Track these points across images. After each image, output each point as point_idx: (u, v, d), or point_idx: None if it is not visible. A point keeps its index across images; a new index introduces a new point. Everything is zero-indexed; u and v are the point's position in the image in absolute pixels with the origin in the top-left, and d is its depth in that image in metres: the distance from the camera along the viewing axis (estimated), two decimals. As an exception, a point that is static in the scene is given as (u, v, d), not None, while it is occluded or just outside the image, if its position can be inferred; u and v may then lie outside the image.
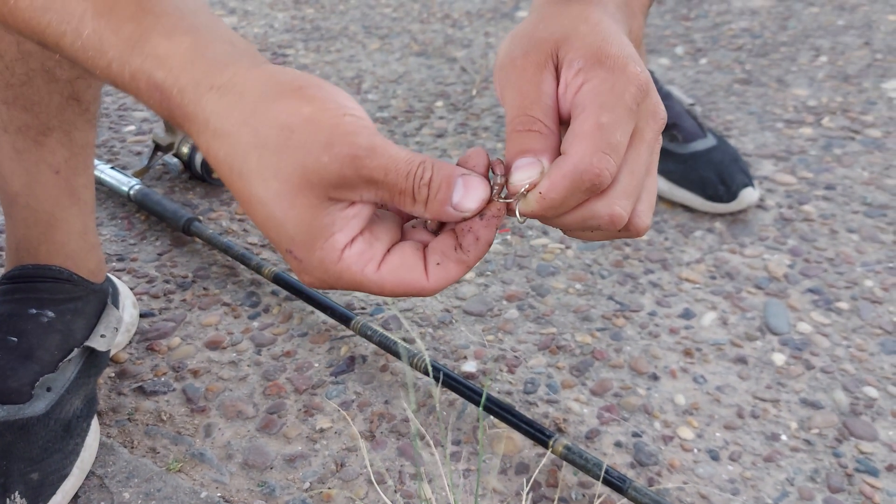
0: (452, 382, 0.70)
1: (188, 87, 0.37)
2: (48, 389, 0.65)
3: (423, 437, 0.69)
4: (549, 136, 0.38)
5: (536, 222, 1.01)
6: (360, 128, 0.35)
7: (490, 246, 0.39)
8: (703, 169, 1.01)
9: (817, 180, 1.10)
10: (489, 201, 0.37)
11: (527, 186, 0.37)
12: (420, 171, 0.36)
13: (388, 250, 0.38)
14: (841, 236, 0.99)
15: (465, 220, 0.37)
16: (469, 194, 0.37)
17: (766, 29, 1.67)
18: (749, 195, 0.99)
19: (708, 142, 1.04)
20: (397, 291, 0.38)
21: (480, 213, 0.37)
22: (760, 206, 1.04)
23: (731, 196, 0.99)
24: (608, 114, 0.36)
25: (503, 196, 0.37)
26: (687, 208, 1.03)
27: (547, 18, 0.41)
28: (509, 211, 0.38)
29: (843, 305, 0.87)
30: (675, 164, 1.03)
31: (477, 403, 0.69)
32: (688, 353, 0.80)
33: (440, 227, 0.40)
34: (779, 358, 0.79)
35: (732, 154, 1.03)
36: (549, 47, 0.39)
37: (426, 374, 0.72)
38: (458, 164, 0.38)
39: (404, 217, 0.41)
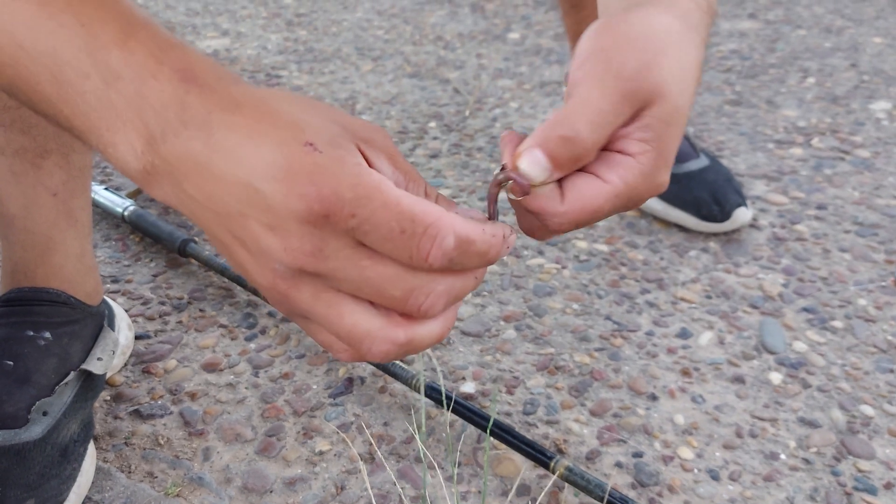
0: (456, 405, 0.70)
1: (156, 138, 0.35)
2: (45, 414, 0.64)
3: (425, 457, 0.69)
4: (579, 160, 0.37)
5: (532, 242, 1.01)
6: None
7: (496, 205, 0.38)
8: (696, 189, 1.02)
9: (809, 200, 1.11)
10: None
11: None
12: (427, 185, 0.37)
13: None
14: (834, 255, 0.99)
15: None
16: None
17: (754, 51, 1.70)
18: (742, 215, 1.00)
19: (701, 162, 1.05)
20: (414, 208, 0.33)
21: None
22: (754, 225, 1.05)
23: (724, 216, 1.00)
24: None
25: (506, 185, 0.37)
26: (681, 228, 1.04)
27: (652, 41, 0.37)
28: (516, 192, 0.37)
29: (838, 324, 0.87)
30: (669, 184, 1.03)
31: (479, 426, 0.69)
32: (686, 372, 0.80)
33: None
34: (775, 377, 0.80)
35: (725, 174, 1.04)
36: (644, 96, 0.37)
37: (428, 396, 0.71)
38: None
39: None
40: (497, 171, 0.37)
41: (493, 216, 0.38)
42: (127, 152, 0.35)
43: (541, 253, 1.00)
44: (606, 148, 0.38)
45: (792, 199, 1.12)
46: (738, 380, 0.79)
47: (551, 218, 0.37)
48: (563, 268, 0.97)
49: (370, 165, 0.35)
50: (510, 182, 0.37)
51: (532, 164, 0.36)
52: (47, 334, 0.68)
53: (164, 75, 0.35)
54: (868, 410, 0.76)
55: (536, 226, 0.40)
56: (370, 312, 0.36)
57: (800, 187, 1.15)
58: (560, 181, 0.37)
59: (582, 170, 0.37)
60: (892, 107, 1.41)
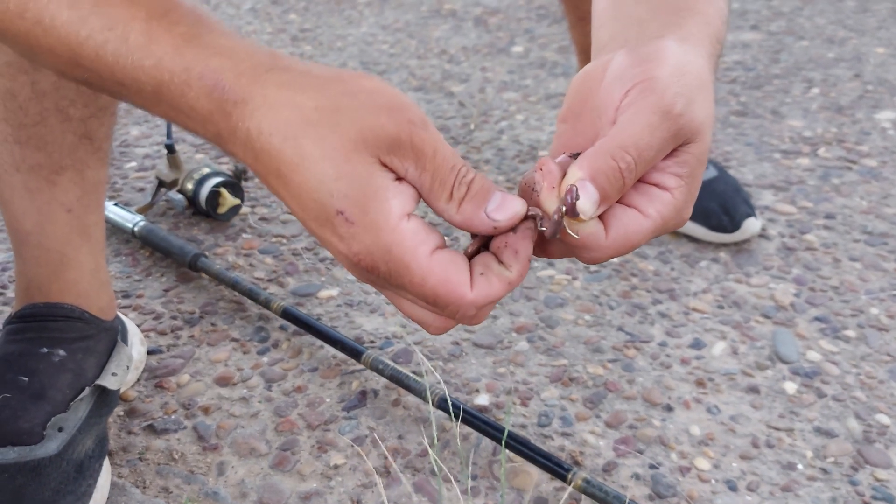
0: (470, 417, 0.70)
1: (247, 71, 0.37)
2: (60, 429, 0.64)
3: (441, 470, 0.68)
4: (621, 191, 0.38)
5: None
6: (417, 107, 0.37)
7: (529, 262, 0.38)
8: (705, 200, 1.02)
9: (817, 210, 1.11)
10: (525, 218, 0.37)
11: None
12: (464, 170, 0.37)
13: (438, 246, 0.37)
14: (844, 265, 0.99)
15: (495, 231, 0.37)
16: (504, 206, 0.36)
17: (758, 62, 1.70)
18: (752, 225, 1.00)
19: (709, 173, 1.05)
20: (438, 290, 0.36)
21: (514, 227, 0.37)
22: (763, 235, 1.05)
23: (734, 226, 1.00)
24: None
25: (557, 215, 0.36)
26: (691, 238, 1.04)
27: (695, 81, 0.39)
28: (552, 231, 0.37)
29: (851, 333, 0.87)
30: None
31: (494, 438, 0.68)
32: (700, 383, 0.80)
33: (474, 254, 0.39)
34: (790, 387, 0.80)
35: (734, 184, 1.04)
36: (687, 135, 0.38)
37: (441, 408, 0.71)
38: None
39: None
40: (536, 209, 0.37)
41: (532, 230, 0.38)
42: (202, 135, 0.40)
43: (551, 264, 1.00)
44: (641, 179, 0.39)
45: (800, 209, 1.12)
46: (753, 390, 0.79)
47: (593, 251, 0.38)
48: (574, 279, 0.97)
49: (397, 175, 0.36)
50: (552, 220, 0.36)
51: (588, 200, 0.36)
52: (62, 351, 0.68)
53: (194, 86, 0.37)
54: (884, 419, 0.75)
55: (558, 251, 0.40)
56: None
57: (808, 197, 1.15)
58: (602, 219, 0.38)
59: (619, 201, 0.38)
60: (898, 116, 1.42)
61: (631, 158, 0.36)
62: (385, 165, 0.36)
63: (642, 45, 0.40)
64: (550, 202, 0.37)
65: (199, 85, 0.37)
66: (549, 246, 0.40)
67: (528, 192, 0.38)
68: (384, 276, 0.36)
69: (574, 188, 0.35)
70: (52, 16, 0.38)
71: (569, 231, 0.37)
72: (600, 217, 0.38)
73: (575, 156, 0.39)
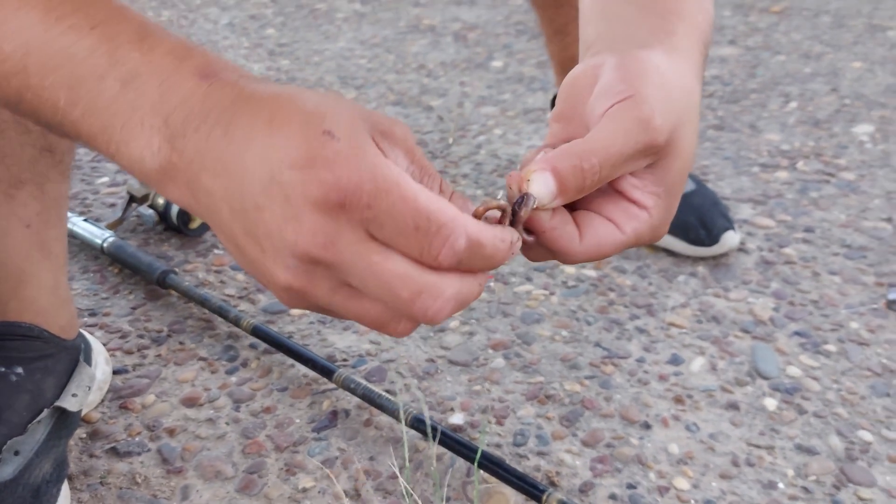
0: (444, 438, 0.68)
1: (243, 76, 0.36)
2: (16, 453, 0.62)
3: (411, 496, 0.66)
4: (584, 192, 0.38)
5: (520, 269, 1.00)
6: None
7: (519, 241, 0.37)
8: (683, 213, 1.01)
9: (796, 223, 1.11)
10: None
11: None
12: (442, 182, 0.36)
13: None
14: (823, 279, 0.99)
15: (476, 215, 0.36)
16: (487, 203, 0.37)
17: (735, 76, 1.71)
18: (730, 239, 0.99)
19: (687, 186, 1.04)
20: (430, 206, 0.32)
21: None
22: (742, 249, 1.04)
23: (712, 240, 0.99)
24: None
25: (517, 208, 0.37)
26: (669, 252, 1.03)
27: (678, 96, 0.40)
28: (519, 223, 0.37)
29: (831, 348, 0.86)
30: (656, 209, 1.03)
31: (468, 458, 0.67)
32: (679, 400, 0.79)
33: None
34: (770, 403, 0.78)
35: (712, 198, 1.04)
36: (663, 149, 0.39)
37: (415, 428, 0.69)
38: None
39: None
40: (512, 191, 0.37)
41: (504, 221, 0.37)
42: (143, 150, 0.35)
43: (528, 279, 0.98)
44: (617, 189, 0.39)
45: (779, 223, 1.11)
46: (733, 406, 0.78)
47: (565, 255, 0.39)
48: (552, 294, 0.96)
49: (387, 158, 0.34)
50: (523, 200, 0.36)
51: (542, 185, 0.36)
52: (19, 370, 0.65)
53: (185, 72, 0.35)
54: (866, 436, 0.74)
55: (536, 252, 0.40)
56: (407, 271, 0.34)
57: (786, 210, 1.14)
58: (577, 221, 0.39)
59: (598, 212, 0.39)
60: (875, 130, 1.42)
61: (596, 161, 0.36)
62: (377, 146, 0.34)
63: (630, 58, 0.40)
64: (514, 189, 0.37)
65: (191, 73, 0.35)
66: (529, 250, 0.40)
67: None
68: (366, 202, 0.32)
69: (531, 171, 0.36)
70: (20, 18, 0.36)
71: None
72: (578, 224, 0.39)
73: None
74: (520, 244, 0.37)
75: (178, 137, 0.34)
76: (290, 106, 0.33)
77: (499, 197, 0.38)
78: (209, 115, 0.34)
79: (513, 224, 0.36)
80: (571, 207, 0.39)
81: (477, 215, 0.36)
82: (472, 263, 0.35)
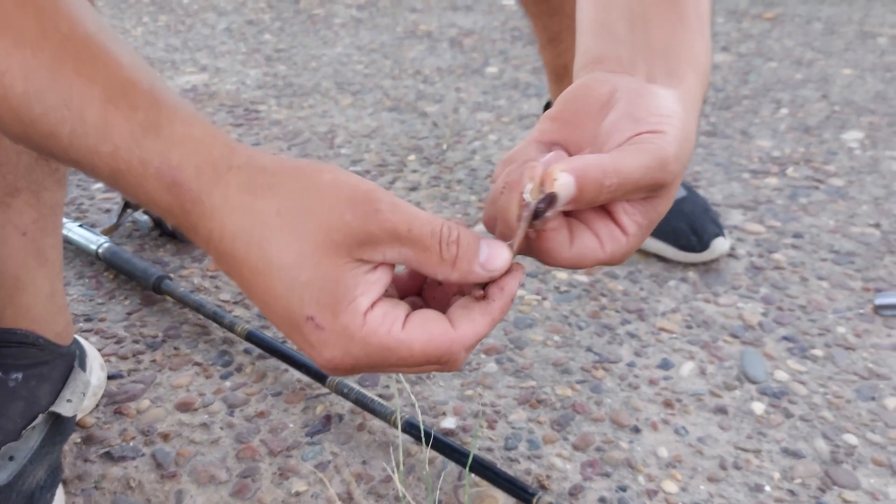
0: (436, 441, 0.69)
1: (206, 167, 0.37)
2: (10, 459, 0.62)
3: (403, 499, 0.67)
4: (592, 205, 0.39)
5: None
6: (380, 189, 0.37)
7: (512, 301, 0.39)
8: (674, 220, 1.02)
9: (785, 229, 1.12)
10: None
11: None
12: (446, 229, 0.37)
13: (408, 315, 0.38)
14: (812, 284, 1.00)
15: (491, 279, 0.38)
16: (494, 255, 0.38)
17: (727, 83, 1.72)
18: (720, 245, 1.00)
19: (679, 193, 1.05)
20: (427, 349, 0.36)
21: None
22: (732, 255, 1.06)
23: (703, 246, 1.00)
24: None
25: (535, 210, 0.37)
26: (660, 258, 1.04)
27: (686, 139, 0.41)
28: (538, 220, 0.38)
29: (818, 353, 0.87)
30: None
31: (460, 462, 0.67)
32: (668, 404, 0.79)
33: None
34: (758, 407, 0.79)
35: (702, 204, 1.05)
36: (662, 188, 0.41)
37: (407, 432, 0.70)
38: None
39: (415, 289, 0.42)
40: (527, 193, 0.37)
41: (514, 246, 0.38)
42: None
43: (521, 285, 0.99)
44: (608, 210, 0.41)
45: (769, 228, 1.12)
46: (721, 410, 0.79)
47: (550, 257, 0.40)
48: (544, 299, 0.96)
49: (375, 266, 0.37)
50: (540, 201, 0.37)
51: (565, 188, 0.37)
52: (15, 376, 0.66)
53: (151, 182, 0.37)
54: (851, 440, 0.75)
55: (522, 247, 0.42)
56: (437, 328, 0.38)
57: (776, 216, 1.15)
58: (568, 228, 0.40)
59: (587, 225, 0.41)
60: (864, 136, 1.44)
61: (615, 182, 0.38)
62: (360, 259, 0.36)
63: (653, 94, 0.42)
64: (532, 183, 0.38)
65: (157, 180, 0.37)
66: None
67: (499, 194, 0.39)
68: (371, 366, 0.37)
69: (557, 170, 0.37)
70: (7, 86, 0.37)
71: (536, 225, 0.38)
72: (570, 231, 0.40)
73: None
74: (523, 275, 0.40)
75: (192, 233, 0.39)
76: (266, 266, 0.36)
77: (526, 190, 0.37)
78: (195, 230, 0.38)
79: (533, 219, 0.37)
80: (564, 213, 0.40)
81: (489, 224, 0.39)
82: (470, 349, 0.39)
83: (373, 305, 0.36)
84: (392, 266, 0.38)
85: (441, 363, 0.38)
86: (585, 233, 0.40)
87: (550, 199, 0.36)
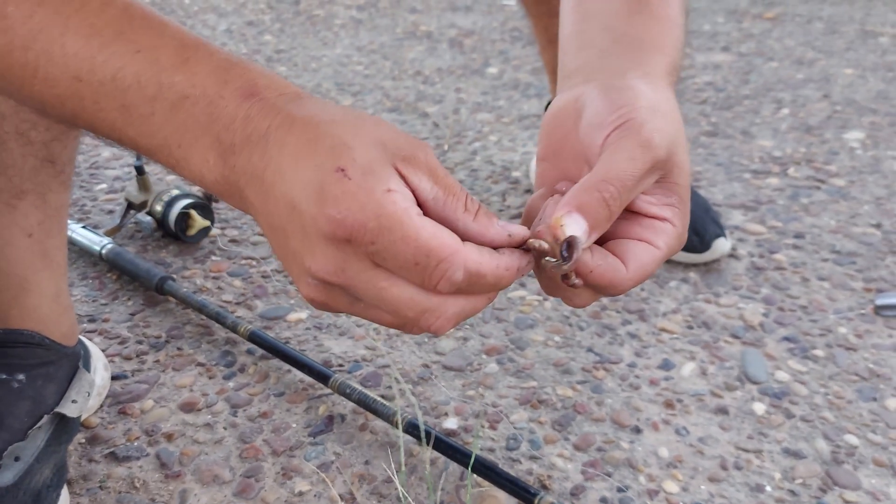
0: (438, 442, 0.69)
1: (288, 94, 0.38)
2: (17, 459, 0.63)
3: (405, 499, 0.67)
4: (609, 220, 0.39)
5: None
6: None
7: (520, 270, 0.39)
8: (675, 220, 1.02)
9: (786, 229, 1.12)
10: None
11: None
12: (471, 195, 0.38)
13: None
14: (813, 284, 1.00)
15: (509, 241, 0.38)
16: (511, 225, 0.39)
17: (728, 83, 1.73)
18: (722, 245, 1.01)
19: (679, 193, 1.05)
20: (432, 243, 0.35)
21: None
22: (733, 255, 1.06)
23: (704, 246, 1.00)
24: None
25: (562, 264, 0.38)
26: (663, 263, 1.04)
27: (668, 116, 0.42)
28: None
29: (819, 353, 0.88)
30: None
31: (462, 463, 0.68)
32: (669, 404, 0.80)
33: None
34: (759, 407, 0.80)
35: (703, 205, 1.05)
36: (667, 166, 0.41)
37: (409, 433, 0.70)
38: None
39: None
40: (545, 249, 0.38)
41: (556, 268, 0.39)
42: (201, 165, 0.38)
43: (522, 285, 1.00)
44: (636, 211, 0.41)
45: (770, 229, 1.13)
46: (722, 411, 0.79)
47: (616, 287, 0.40)
48: (545, 299, 0.97)
49: (408, 184, 0.36)
50: (557, 261, 0.37)
51: (575, 226, 0.37)
52: (21, 376, 0.66)
53: (229, 93, 0.37)
54: (852, 440, 0.76)
55: (582, 295, 0.42)
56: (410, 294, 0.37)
57: (777, 216, 1.16)
58: (613, 251, 0.40)
59: (628, 237, 0.41)
60: (865, 136, 1.44)
61: (614, 188, 0.38)
62: (398, 171, 0.36)
63: (614, 88, 0.42)
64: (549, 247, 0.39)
65: (235, 93, 0.38)
66: (574, 295, 0.42)
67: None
68: (370, 239, 0.35)
69: (560, 218, 0.37)
70: (64, 45, 0.38)
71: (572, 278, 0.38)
72: (616, 254, 0.40)
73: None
74: (530, 266, 0.39)
75: (229, 154, 0.37)
76: (317, 138, 0.36)
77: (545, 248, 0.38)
78: (251, 137, 0.37)
79: (566, 274, 0.37)
80: (600, 241, 0.41)
81: (514, 243, 0.38)
82: (474, 290, 0.38)
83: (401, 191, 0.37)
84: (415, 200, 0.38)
85: (437, 271, 0.36)
86: (630, 245, 0.41)
87: (569, 245, 0.37)
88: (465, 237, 0.37)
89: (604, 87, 0.43)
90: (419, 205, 0.37)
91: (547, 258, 0.38)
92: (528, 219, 0.43)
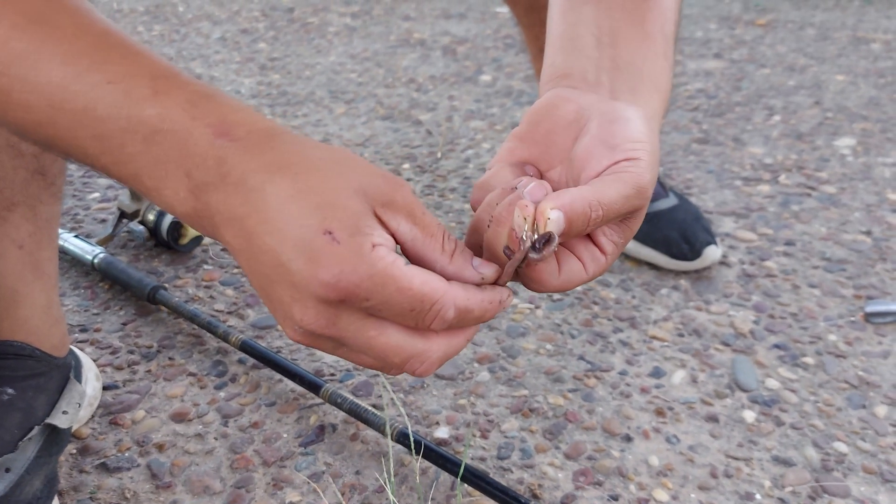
0: (428, 451, 0.69)
1: (260, 131, 0.39)
2: (7, 470, 0.63)
3: (396, 508, 0.68)
4: (578, 235, 0.41)
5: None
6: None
7: (502, 303, 0.41)
8: (666, 228, 1.03)
9: (777, 237, 1.13)
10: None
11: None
12: (447, 233, 0.40)
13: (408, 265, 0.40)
14: (803, 291, 1.01)
15: (482, 282, 0.40)
16: (486, 264, 0.40)
17: (720, 90, 1.73)
18: (712, 253, 1.01)
19: (670, 201, 1.06)
20: (424, 289, 0.37)
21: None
22: (723, 262, 1.06)
23: (694, 254, 1.01)
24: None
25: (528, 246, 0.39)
26: (652, 266, 1.05)
27: (652, 164, 0.43)
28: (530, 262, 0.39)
29: (809, 360, 0.88)
30: (639, 224, 1.04)
31: (452, 472, 0.68)
32: (659, 412, 0.80)
33: None
34: (749, 415, 0.80)
35: (694, 212, 1.05)
36: (646, 203, 0.43)
37: (400, 442, 0.71)
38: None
39: None
40: (523, 236, 0.39)
41: (503, 278, 0.41)
42: (172, 197, 0.39)
43: (514, 293, 1.00)
44: (591, 236, 0.43)
45: (760, 236, 1.13)
46: (712, 419, 0.79)
47: (542, 286, 0.42)
48: (537, 307, 0.97)
49: (387, 228, 0.38)
50: (535, 243, 0.38)
51: (556, 225, 0.39)
52: (11, 389, 0.66)
53: (199, 130, 0.38)
54: (842, 447, 0.76)
55: (508, 274, 0.43)
56: (401, 337, 0.39)
57: (768, 224, 1.16)
58: (557, 259, 0.42)
59: (571, 251, 0.43)
60: (856, 143, 1.45)
61: (602, 213, 0.40)
62: (378, 217, 0.38)
63: (622, 119, 0.44)
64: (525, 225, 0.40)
65: (205, 131, 0.38)
66: (505, 275, 0.43)
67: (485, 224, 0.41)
68: (364, 296, 0.36)
69: (548, 208, 0.39)
70: (39, 72, 0.38)
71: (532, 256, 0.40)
72: (556, 259, 0.42)
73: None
74: (511, 298, 0.41)
75: (201, 192, 0.38)
76: (299, 193, 0.37)
77: (518, 226, 0.39)
78: (226, 179, 0.37)
79: (524, 259, 0.39)
80: None
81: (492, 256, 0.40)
82: (462, 325, 0.40)
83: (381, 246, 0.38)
84: (396, 244, 0.39)
85: (430, 313, 0.38)
86: (570, 259, 0.43)
87: (548, 239, 0.38)
88: (442, 277, 0.39)
89: (612, 114, 0.44)
90: (399, 244, 0.39)
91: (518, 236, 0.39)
92: (483, 188, 0.44)
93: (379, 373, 0.85)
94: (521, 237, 0.38)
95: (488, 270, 0.40)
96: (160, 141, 0.38)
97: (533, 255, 0.38)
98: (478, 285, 0.40)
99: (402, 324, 0.39)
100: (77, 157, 0.41)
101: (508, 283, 0.42)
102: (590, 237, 0.43)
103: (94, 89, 0.38)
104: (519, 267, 0.39)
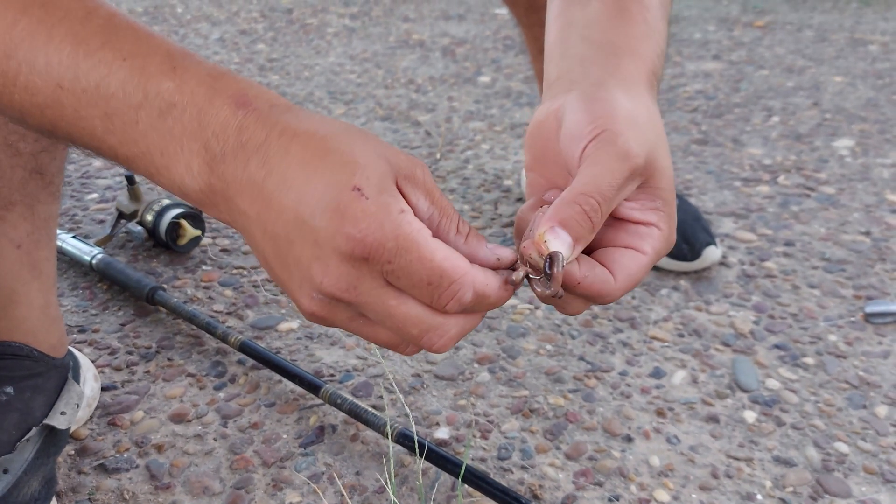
0: (429, 452, 0.69)
1: (280, 104, 0.38)
2: (5, 471, 0.62)
3: (396, 509, 0.67)
4: (592, 231, 0.39)
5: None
6: None
7: (517, 286, 0.40)
8: (666, 228, 1.02)
9: (777, 237, 1.13)
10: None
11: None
12: (463, 218, 0.39)
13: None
14: (803, 292, 1.00)
15: (497, 264, 0.40)
16: (500, 248, 0.40)
17: (719, 91, 1.73)
18: (712, 253, 1.01)
19: (670, 201, 1.06)
20: (444, 264, 0.36)
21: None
22: (723, 263, 1.06)
23: (694, 255, 1.01)
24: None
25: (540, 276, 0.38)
26: (652, 267, 1.05)
27: (644, 122, 0.42)
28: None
29: (809, 361, 0.88)
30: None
31: (453, 473, 0.68)
32: (660, 412, 0.80)
33: None
34: (749, 415, 0.80)
35: (694, 213, 1.05)
36: (646, 171, 0.41)
37: (400, 443, 0.70)
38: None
39: None
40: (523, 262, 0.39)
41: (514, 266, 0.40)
42: (184, 173, 0.38)
43: (514, 294, 1.00)
44: (621, 218, 0.42)
45: (760, 237, 1.13)
46: (713, 419, 0.79)
47: (604, 297, 0.41)
48: (536, 308, 0.97)
49: (408, 202, 0.37)
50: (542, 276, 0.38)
51: (558, 241, 0.38)
52: (9, 389, 0.66)
53: (219, 102, 0.37)
54: (842, 448, 0.76)
55: (573, 304, 0.42)
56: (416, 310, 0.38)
57: (767, 224, 1.16)
58: (600, 260, 0.41)
59: (614, 245, 0.42)
60: (855, 144, 1.45)
61: (594, 200, 0.39)
62: (400, 190, 0.37)
63: (591, 98, 0.43)
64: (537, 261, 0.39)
65: (227, 100, 0.37)
66: (566, 304, 0.42)
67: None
68: (387, 258, 0.36)
69: (542, 234, 0.38)
70: (48, 53, 0.38)
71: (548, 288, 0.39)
72: (604, 263, 0.41)
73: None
74: (522, 282, 0.40)
75: (218, 162, 0.37)
76: (325, 151, 0.36)
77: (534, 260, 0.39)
78: (246, 146, 0.37)
79: (548, 285, 0.38)
80: (587, 251, 0.41)
81: (498, 265, 0.39)
82: (477, 309, 0.39)
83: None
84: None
85: (448, 292, 0.37)
86: (617, 253, 0.41)
87: (551, 260, 0.37)
88: None
89: (582, 97, 0.43)
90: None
91: (531, 276, 0.39)
92: (519, 229, 0.44)
93: (379, 373, 0.85)
94: (528, 274, 0.38)
95: (505, 253, 0.40)
96: (177, 114, 0.37)
97: (549, 284, 0.37)
98: (494, 269, 0.39)
99: (418, 298, 0.38)
100: (80, 139, 0.40)
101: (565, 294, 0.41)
102: (624, 221, 0.42)
103: (107, 66, 0.38)
104: (556, 296, 0.38)
